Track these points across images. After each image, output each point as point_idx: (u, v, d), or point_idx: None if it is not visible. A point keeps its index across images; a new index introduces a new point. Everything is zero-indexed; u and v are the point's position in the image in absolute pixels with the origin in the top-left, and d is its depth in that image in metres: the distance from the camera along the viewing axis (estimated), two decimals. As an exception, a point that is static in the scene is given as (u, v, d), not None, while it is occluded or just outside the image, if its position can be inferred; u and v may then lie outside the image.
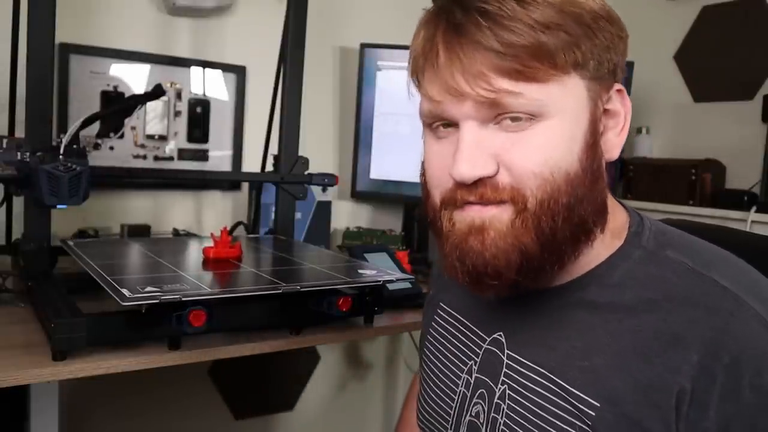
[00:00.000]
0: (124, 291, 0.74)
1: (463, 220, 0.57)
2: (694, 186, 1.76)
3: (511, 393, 0.61)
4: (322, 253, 1.16)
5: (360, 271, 0.97)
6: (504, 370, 0.63)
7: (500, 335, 0.65)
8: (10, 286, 1.01)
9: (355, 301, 0.92)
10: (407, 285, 1.12)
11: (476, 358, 0.66)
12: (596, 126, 0.57)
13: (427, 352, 0.75)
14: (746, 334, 0.51)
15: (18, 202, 1.06)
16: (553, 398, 0.57)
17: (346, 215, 1.84)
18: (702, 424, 0.50)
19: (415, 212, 1.76)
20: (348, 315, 0.93)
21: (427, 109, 0.58)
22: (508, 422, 0.61)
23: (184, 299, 0.75)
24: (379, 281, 0.92)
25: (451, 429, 0.68)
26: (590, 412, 0.55)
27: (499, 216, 0.55)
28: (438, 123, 0.58)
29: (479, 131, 0.55)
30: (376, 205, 1.89)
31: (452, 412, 0.68)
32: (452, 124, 0.57)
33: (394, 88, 1.70)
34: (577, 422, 0.55)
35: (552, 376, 0.58)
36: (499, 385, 0.63)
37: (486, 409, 0.63)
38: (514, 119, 0.54)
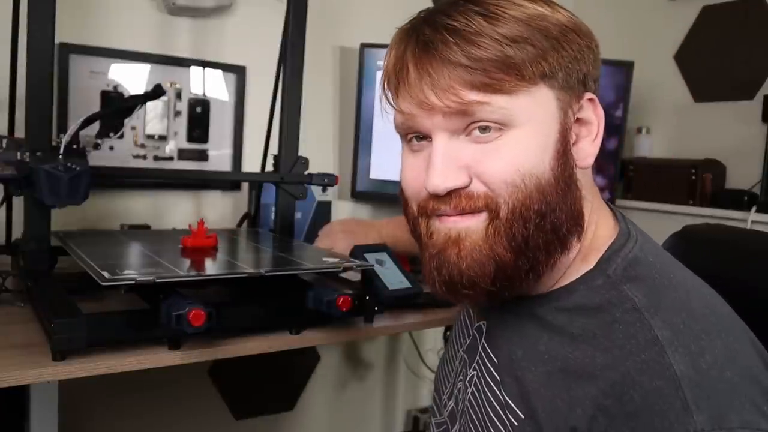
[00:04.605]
0: (104, 273, 0.78)
1: (440, 231, 0.58)
2: (694, 186, 1.76)
3: (476, 380, 0.64)
4: (299, 245, 1.19)
5: (324, 259, 0.99)
6: (477, 357, 0.66)
7: (483, 324, 0.68)
8: (10, 286, 1.00)
9: (355, 300, 0.92)
10: (407, 285, 1.12)
11: (468, 339, 0.70)
12: (567, 135, 0.58)
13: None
14: (652, 388, 0.49)
15: (18, 202, 1.06)
16: (498, 396, 0.61)
17: (346, 215, 1.84)
18: None
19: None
20: (348, 315, 0.93)
21: (399, 122, 0.60)
22: (468, 406, 0.65)
23: (157, 281, 0.78)
24: (339, 267, 0.95)
25: (445, 396, 0.73)
26: (514, 422, 0.58)
27: (475, 226, 0.57)
28: (412, 135, 0.60)
29: (450, 143, 0.57)
30: (376, 205, 1.89)
31: (449, 382, 0.73)
32: (425, 137, 0.59)
33: (394, 88, 1.70)
34: (503, 428, 0.58)
35: (497, 376, 0.61)
36: (471, 371, 0.66)
37: (462, 388, 0.67)
38: (483, 129, 0.56)
